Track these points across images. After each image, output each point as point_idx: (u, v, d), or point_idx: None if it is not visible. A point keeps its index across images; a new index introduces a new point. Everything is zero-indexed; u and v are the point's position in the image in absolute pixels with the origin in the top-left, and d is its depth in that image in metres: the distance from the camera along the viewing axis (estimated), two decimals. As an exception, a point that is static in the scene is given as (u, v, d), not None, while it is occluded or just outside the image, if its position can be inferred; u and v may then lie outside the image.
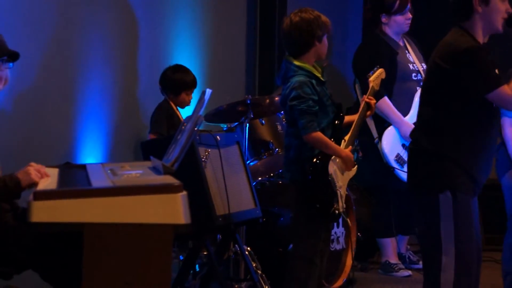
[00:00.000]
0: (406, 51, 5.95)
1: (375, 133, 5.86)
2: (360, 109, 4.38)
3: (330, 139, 4.22)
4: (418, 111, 3.90)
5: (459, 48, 3.68)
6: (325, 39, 4.28)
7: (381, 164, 5.80)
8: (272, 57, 7.15)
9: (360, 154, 5.57)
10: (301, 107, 4.15)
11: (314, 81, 4.21)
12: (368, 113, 4.39)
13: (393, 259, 5.97)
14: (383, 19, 5.90)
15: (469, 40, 3.71)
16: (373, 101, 4.37)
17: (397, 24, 5.90)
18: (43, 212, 2.92)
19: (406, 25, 5.91)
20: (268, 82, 7.19)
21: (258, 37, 7.21)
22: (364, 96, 4.40)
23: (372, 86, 4.46)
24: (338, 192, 4.23)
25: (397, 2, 5.84)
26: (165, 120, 5.49)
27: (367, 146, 5.93)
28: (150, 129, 5.56)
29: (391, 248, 5.98)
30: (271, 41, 7.18)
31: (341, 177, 4.28)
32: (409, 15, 5.89)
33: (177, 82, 5.63)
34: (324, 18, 4.27)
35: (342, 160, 4.25)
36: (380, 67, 4.54)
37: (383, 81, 4.60)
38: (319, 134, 4.17)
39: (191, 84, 5.66)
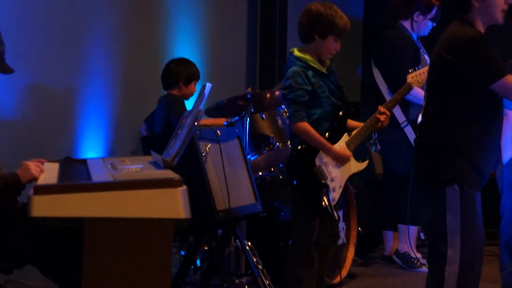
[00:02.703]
0: (421, 51, 5.95)
1: (401, 118, 5.82)
2: (372, 116, 4.28)
3: (326, 132, 4.19)
4: (424, 105, 3.87)
5: (463, 37, 3.66)
6: (330, 39, 4.18)
7: (410, 151, 5.69)
8: (273, 51, 7.13)
9: (379, 148, 5.46)
10: (290, 96, 4.14)
11: (310, 72, 4.19)
12: (379, 125, 4.30)
13: (413, 253, 5.91)
14: (417, 18, 5.91)
15: (472, 30, 3.70)
16: (383, 116, 4.27)
17: (424, 27, 5.94)
18: (43, 207, 2.91)
19: (427, 31, 5.96)
20: (269, 76, 7.17)
21: (259, 31, 7.20)
22: (380, 107, 4.29)
23: (409, 83, 4.41)
24: (328, 184, 4.19)
25: (435, 9, 5.88)
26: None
27: (394, 134, 5.83)
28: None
29: (412, 239, 5.87)
30: (272, 35, 7.17)
31: (335, 170, 4.21)
32: (434, 25, 5.94)
33: (187, 72, 5.54)
34: (341, 21, 4.16)
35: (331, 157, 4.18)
36: (425, 66, 4.45)
37: None
38: (305, 125, 4.12)
39: (199, 74, 5.62)
